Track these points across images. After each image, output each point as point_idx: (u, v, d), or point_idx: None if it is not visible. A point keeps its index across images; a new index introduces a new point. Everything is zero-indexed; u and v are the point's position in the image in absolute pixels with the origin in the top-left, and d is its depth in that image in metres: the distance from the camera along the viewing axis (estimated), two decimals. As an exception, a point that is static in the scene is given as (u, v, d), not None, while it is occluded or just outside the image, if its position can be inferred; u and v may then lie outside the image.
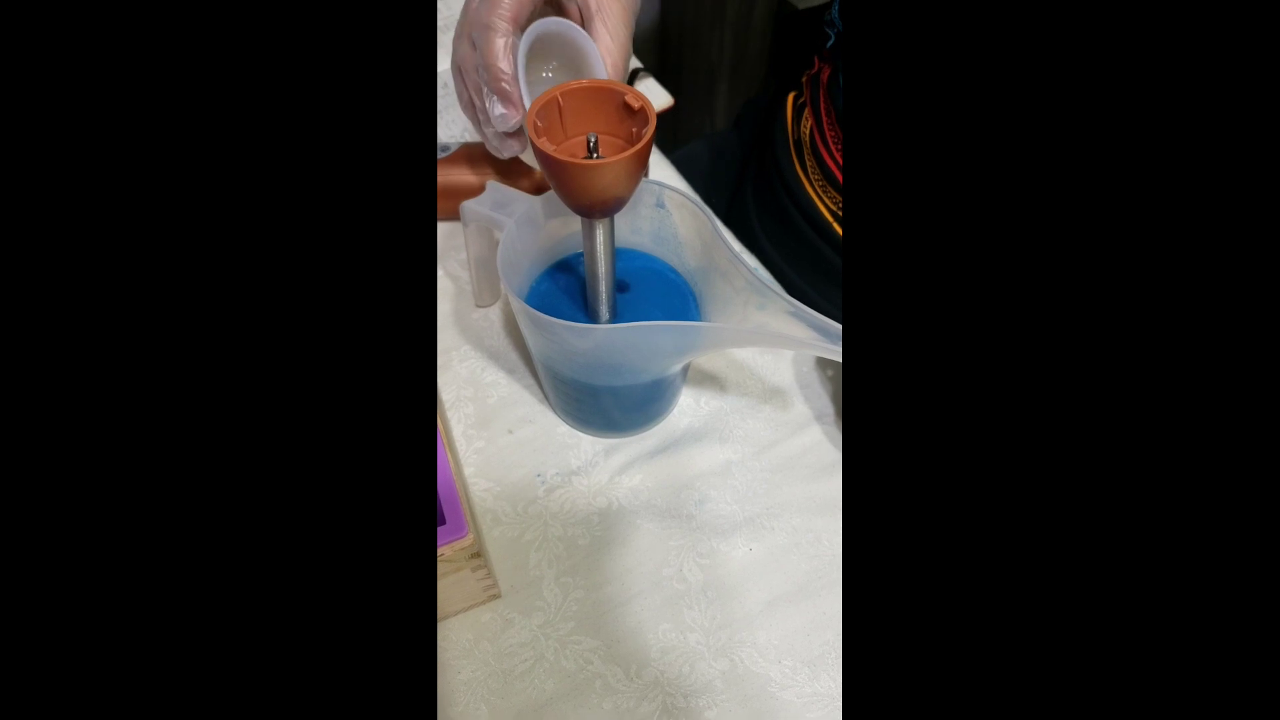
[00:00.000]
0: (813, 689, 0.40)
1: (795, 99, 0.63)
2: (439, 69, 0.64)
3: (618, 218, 0.40)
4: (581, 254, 0.44)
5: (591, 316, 0.41)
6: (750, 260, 0.40)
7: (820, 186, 0.59)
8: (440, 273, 0.54)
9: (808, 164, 0.60)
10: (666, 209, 0.41)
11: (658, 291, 0.43)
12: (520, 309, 0.38)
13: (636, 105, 0.32)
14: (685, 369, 0.45)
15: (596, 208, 0.34)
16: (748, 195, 0.68)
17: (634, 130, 0.33)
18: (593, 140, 0.34)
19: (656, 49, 1.19)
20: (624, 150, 0.31)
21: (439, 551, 0.34)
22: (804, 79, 0.62)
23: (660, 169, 0.60)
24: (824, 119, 0.57)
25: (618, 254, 0.42)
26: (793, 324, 0.35)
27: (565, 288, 0.44)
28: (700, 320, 0.41)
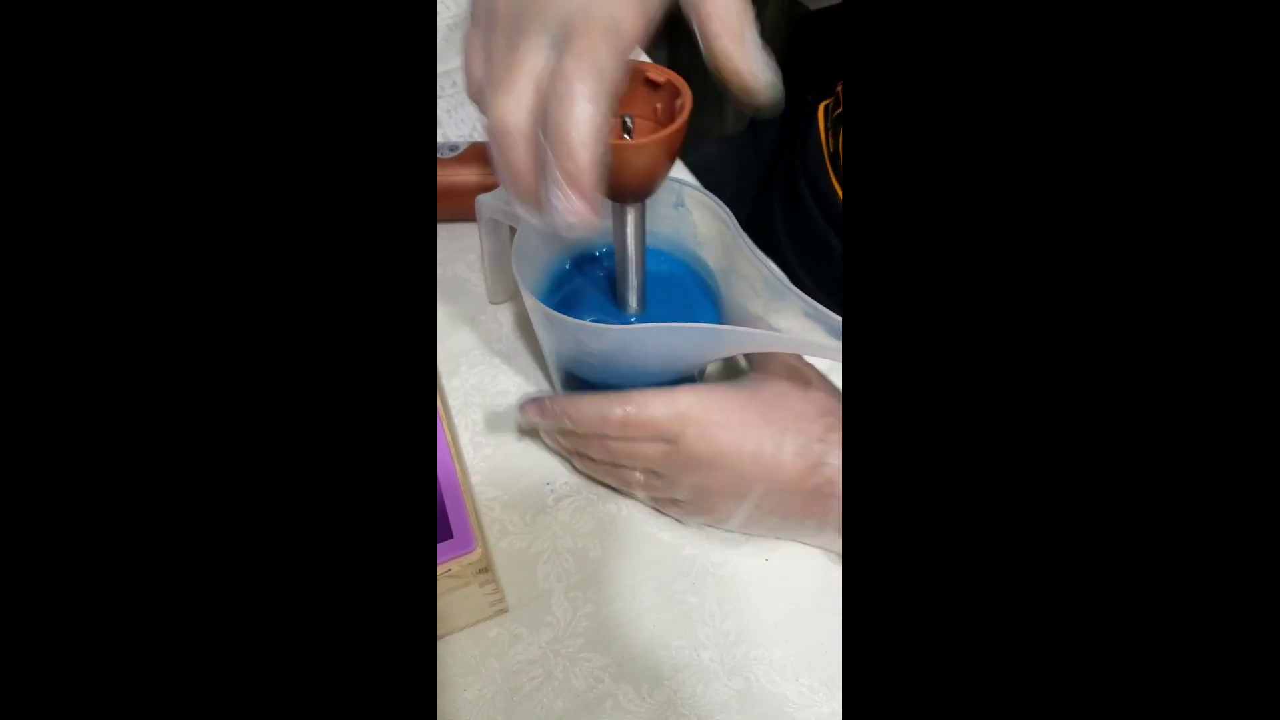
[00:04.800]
0: (831, 708, 0.38)
1: (830, 109, 0.61)
2: (442, 68, 0.63)
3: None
4: (599, 251, 0.43)
5: (621, 305, 0.40)
6: (770, 262, 0.39)
7: None
8: (450, 274, 0.52)
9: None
10: (686, 208, 0.40)
11: (676, 292, 0.41)
12: (535, 307, 0.36)
13: (661, 79, 0.31)
14: (701, 372, 0.43)
15: (635, 190, 0.33)
16: (774, 209, 0.66)
17: (658, 106, 0.32)
18: (629, 121, 0.33)
19: (666, 49, 1.18)
20: (654, 129, 0.30)
21: (445, 567, 0.33)
22: (839, 89, 0.60)
23: (675, 170, 0.59)
24: None
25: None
26: (812, 328, 0.34)
27: (581, 285, 0.42)
28: (719, 323, 0.40)
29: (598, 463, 0.41)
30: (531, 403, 0.40)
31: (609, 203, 0.34)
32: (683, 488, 0.39)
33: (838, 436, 0.37)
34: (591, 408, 0.38)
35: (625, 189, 0.32)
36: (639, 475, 0.40)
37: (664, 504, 0.42)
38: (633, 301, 0.39)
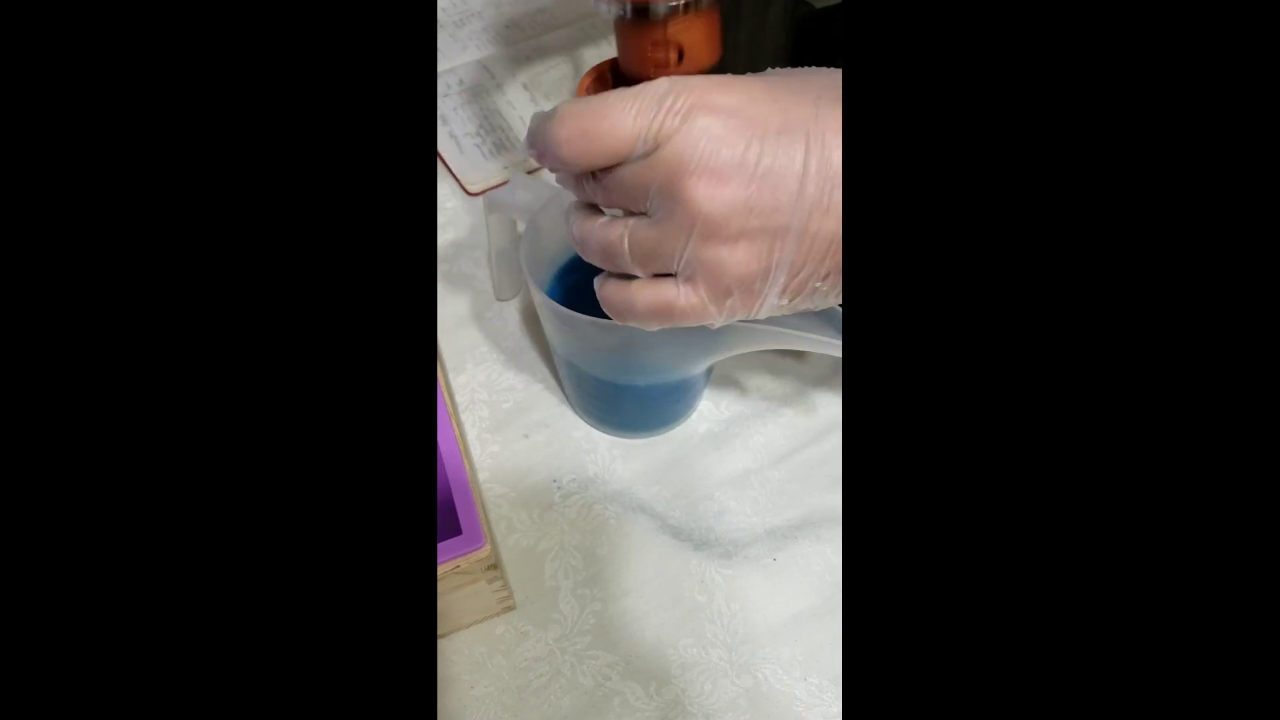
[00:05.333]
0: (839, 708, 0.38)
1: None
2: (444, 66, 0.63)
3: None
4: None
5: None
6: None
7: None
8: (457, 271, 0.52)
9: None
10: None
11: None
12: (543, 303, 0.36)
13: None
14: (709, 369, 0.43)
15: None
16: None
17: None
18: None
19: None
20: None
21: (454, 563, 0.33)
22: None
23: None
24: None
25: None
26: (818, 324, 0.33)
27: (588, 282, 0.42)
28: None
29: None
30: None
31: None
32: (681, 229, 0.27)
33: (835, 119, 0.26)
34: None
35: None
36: (621, 231, 0.28)
37: (665, 297, 0.29)
38: None
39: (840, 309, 0.33)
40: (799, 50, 0.99)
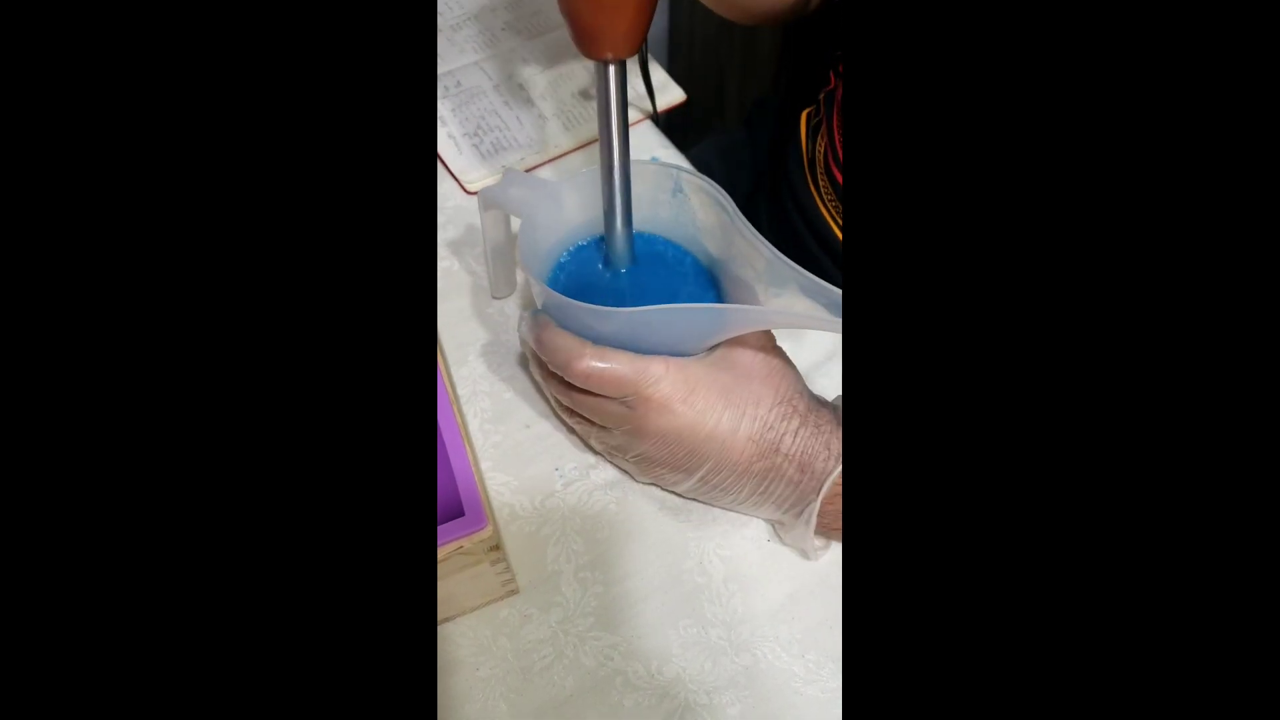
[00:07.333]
0: (837, 684, 0.39)
1: (810, 117, 0.62)
2: (444, 69, 0.64)
3: (638, 205, 0.39)
4: (601, 238, 0.44)
5: (609, 248, 0.40)
6: (769, 244, 0.40)
7: (833, 206, 0.58)
8: (458, 269, 0.53)
9: (820, 183, 0.59)
10: (685, 193, 0.40)
11: (678, 277, 0.42)
12: (540, 292, 0.37)
13: None
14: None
15: (610, 35, 0.31)
16: (760, 214, 0.68)
17: None
18: None
19: (666, 48, 1.19)
20: None
21: (458, 544, 0.34)
22: (820, 96, 0.61)
23: (676, 160, 0.59)
24: (836, 138, 0.56)
25: (636, 238, 0.41)
26: (813, 305, 0.34)
27: (585, 273, 0.43)
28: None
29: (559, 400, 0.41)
30: (527, 315, 0.40)
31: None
32: (633, 452, 0.39)
33: (790, 425, 0.38)
34: (562, 347, 0.37)
35: (600, 31, 0.30)
36: (594, 426, 0.40)
37: (613, 455, 0.43)
38: (619, 244, 0.39)
39: (825, 286, 0.34)
40: (793, 51, 1.00)
